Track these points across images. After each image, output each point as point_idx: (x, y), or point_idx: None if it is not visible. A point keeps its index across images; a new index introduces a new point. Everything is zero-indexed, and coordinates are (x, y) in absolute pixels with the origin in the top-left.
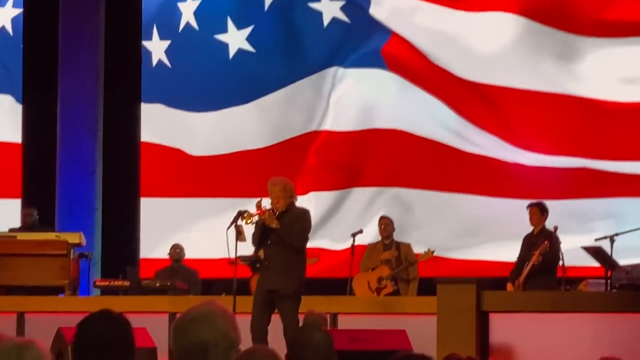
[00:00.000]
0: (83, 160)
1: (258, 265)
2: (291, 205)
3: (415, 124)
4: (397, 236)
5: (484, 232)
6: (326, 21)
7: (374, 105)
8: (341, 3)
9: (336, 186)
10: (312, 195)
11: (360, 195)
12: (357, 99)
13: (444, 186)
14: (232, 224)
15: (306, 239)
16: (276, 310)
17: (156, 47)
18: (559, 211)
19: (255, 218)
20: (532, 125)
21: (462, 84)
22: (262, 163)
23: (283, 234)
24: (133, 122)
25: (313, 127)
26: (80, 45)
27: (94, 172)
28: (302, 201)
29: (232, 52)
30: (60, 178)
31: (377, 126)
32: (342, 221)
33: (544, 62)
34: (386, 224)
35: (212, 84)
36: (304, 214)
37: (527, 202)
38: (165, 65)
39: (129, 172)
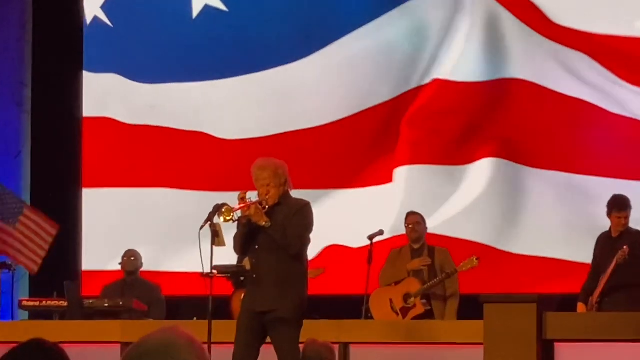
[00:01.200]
0: (5, 138)
1: (243, 279)
2: (285, 196)
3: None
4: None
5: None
6: None
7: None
8: None
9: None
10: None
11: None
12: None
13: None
14: (206, 222)
15: (306, 241)
16: (268, 339)
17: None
18: None
19: (238, 214)
20: None
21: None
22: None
23: (275, 233)
24: (71, 92)
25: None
26: None
27: (20, 154)
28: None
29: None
30: None
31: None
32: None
33: None
34: (415, 223)
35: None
36: (303, 207)
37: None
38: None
39: (68, 155)
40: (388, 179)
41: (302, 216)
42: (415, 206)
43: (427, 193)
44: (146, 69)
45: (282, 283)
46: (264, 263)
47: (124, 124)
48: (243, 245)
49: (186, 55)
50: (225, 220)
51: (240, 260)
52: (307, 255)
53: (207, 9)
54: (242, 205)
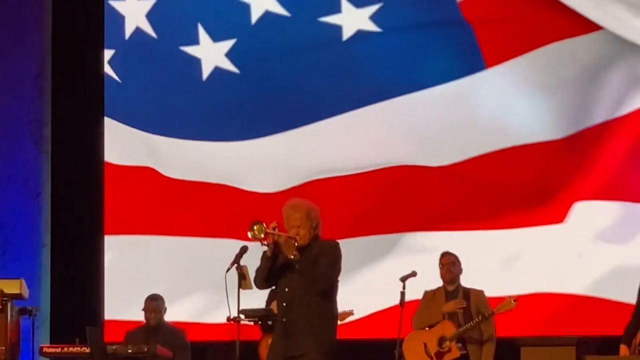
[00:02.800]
0: (24, 178)
1: (271, 323)
2: (315, 238)
3: None
4: None
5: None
6: None
7: None
8: None
9: None
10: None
11: None
12: None
13: None
14: (232, 264)
15: (335, 279)
16: None
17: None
18: None
19: (263, 233)
20: None
21: None
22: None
23: (303, 267)
24: (92, 134)
25: None
26: (21, 30)
27: (39, 195)
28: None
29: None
30: None
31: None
32: None
33: None
34: (450, 263)
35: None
36: (333, 247)
37: None
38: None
39: (89, 199)
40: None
41: (332, 256)
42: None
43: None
44: (162, 124)
45: (312, 327)
46: (294, 306)
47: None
48: (265, 278)
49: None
50: (253, 237)
51: (268, 303)
52: (336, 298)
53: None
54: (275, 231)
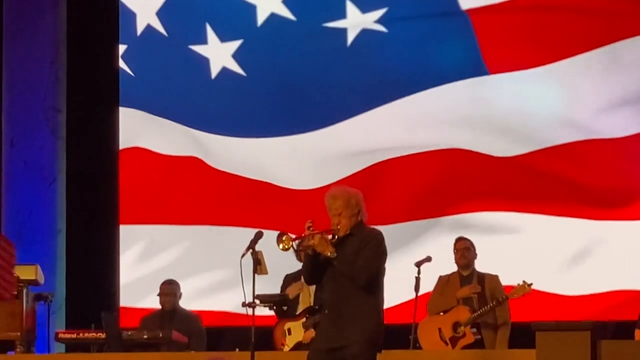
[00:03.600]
0: (39, 164)
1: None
2: (358, 226)
3: None
4: None
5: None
6: None
7: None
8: None
9: None
10: None
11: None
12: None
13: None
14: (247, 249)
15: (377, 271)
16: None
17: None
18: None
19: (296, 243)
20: None
21: None
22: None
23: (341, 264)
24: (107, 121)
25: None
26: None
27: (55, 181)
28: None
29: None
30: (6, 187)
31: None
32: None
33: None
34: (464, 249)
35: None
36: (375, 236)
37: None
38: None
39: (104, 185)
40: None
41: (373, 246)
42: None
43: None
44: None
45: (356, 318)
46: (337, 297)
47: (162, 155)
48: (311, 275)
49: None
50: (284, 249)
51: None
52: (382, 288)
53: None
54: (304, 235)
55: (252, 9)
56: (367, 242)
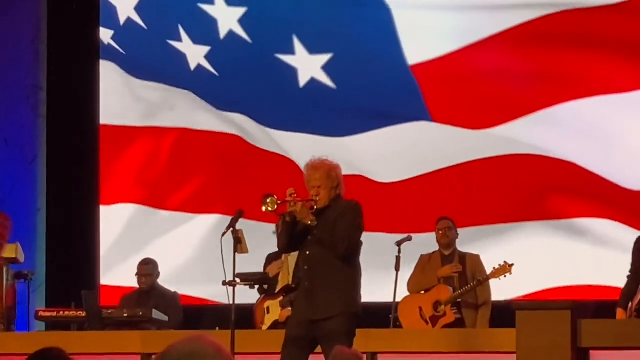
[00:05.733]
0: (20, 142)
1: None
2: (336, 199)
3: None
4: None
5: None
6: None
7: None
8: None
9: None
10: None
11: None
12: None
13: None
14: (228, 228)
15: (356, 242)
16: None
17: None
18: None
19: (277, 205)
20: None
21: None
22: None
23: (321, 233)
24: (88, 97)
25: None
26: None
27: (35, 159)
28: None
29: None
30: None
31: None
32: None
33: None
34: (446, 228)
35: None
36: (353, 208)
37: None
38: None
39: (84, 163)
40: None
41: (351, 216)
42: None
43: None
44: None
45: (335, 290)
46: (315, 270)
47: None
48: (286, 242)
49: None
50: (267, 211)
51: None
52: (359, 260)
53: None
54: (289, 199)
55: None
56: (345, 213)
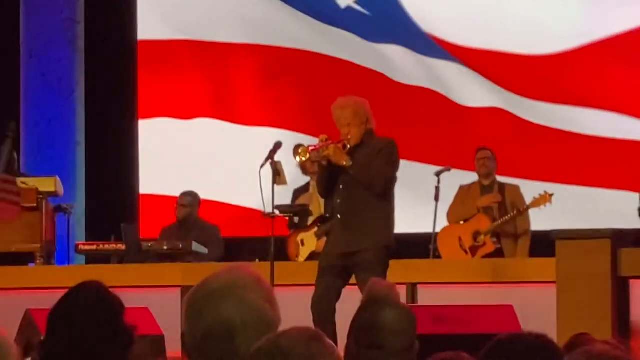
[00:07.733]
0: (58, 74)
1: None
2: (368, 134)
3: None
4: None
5: None
6: None
7: None
8: None
9: None
10: None
11: None
12: None
13: None
14: (267, 160)
15: (392, 179)
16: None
17: None
18: None
19: (314, 154)
20: None
21: None
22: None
23: (356, 173)
24: (125, 18)
25: None
26: None
27: (73, 93)
28: None
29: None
30: (25, 100)
31: None
32: None
33: None
34: (486, 158)
35: None
36: (388, 145)
37: None
38: None
39: (123, 85)
40: None
41: (386, 154)
42: None
43: None
44: None
45: (368, 223)
46: (349, 203)
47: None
48: (325, 187)
49: None
50: (301, 162)
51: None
52: (394, 195)
53: None
54: (319, 145)
55: None
56: (380, 149)
